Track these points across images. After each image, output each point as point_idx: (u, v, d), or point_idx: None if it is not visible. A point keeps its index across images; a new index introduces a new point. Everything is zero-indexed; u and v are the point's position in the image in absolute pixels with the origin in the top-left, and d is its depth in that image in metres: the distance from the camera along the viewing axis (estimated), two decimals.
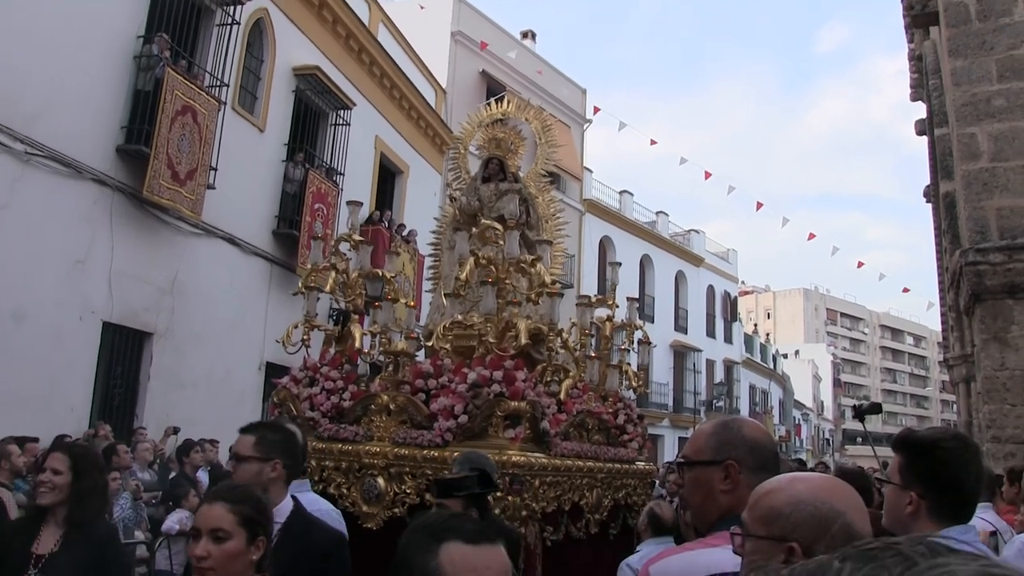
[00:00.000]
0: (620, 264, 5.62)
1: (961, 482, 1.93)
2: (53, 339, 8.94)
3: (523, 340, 4.13)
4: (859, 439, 52.91)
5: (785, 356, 49.55)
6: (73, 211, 9.32)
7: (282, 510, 2.57)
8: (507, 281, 4.37)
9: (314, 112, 13.88)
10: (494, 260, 4.29)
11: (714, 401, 30.73)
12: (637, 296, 26.20)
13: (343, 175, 14.09)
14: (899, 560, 0.52)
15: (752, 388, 36.31)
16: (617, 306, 5.30)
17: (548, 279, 4.41)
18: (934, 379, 73.60)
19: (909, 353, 77.57)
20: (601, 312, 5.66)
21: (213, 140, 10.94)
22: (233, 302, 11.57)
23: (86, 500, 2.82)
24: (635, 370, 5.26)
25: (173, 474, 8.10)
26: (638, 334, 5.38)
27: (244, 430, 2.72)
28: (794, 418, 44.87)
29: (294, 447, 2.71)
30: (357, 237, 4.65)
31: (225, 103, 11.33)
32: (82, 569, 2.65)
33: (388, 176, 16.90)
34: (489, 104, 5.92)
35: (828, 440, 56.45)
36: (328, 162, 13.99)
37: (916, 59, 10.68)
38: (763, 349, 39.95)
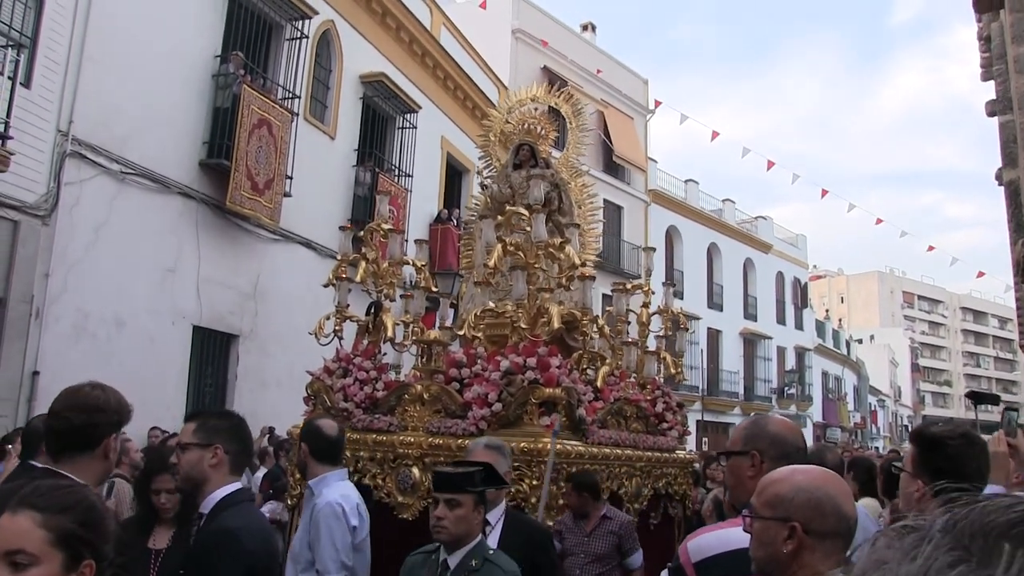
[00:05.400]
0: (655, 249, 5.29)
1: (961, 476, 2.04)
2: (149, 343, 9.18)
3: (556, 325, 3.86)
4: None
5: (860, 341, 47.25)
6: (163, 224, 9.56)
7: (212, 499, 2.33)
8: (537, 266, 4.10)
9: (381, 117, 13.87)
10: (522, 246, 4.03)
11: (785, 388, 29.46)
12: (705, 285, 25.84)
13: (411, 176, 14.04)
14: None
15: (825, 375, 34.64)
16: (653, 292, 4.95)
17: (577, 261, 4.11)
18: (1023, 363, 68.52)
19: (993, 336, 72.37)
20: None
21: (288, 150, 11.04)
22: (311, 303, 11.59)
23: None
24: (673, 357, 4.90)
25: (265, 469, 8.04)
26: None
27: (187, 418, 2.54)
28: (869, 404, 42.66)
29: (240, 433, 2.47)
30: (386, 226, 4.45)
31: (297, 114, 11.42)
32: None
33: (455, 175, 16.79)
34: (519, 91, 5.63)
35: (907, 427, 53.47)
36: (396, 164, 13.97)
37: (985, 39, 9.94)
38: (836, 335, 38.11)
